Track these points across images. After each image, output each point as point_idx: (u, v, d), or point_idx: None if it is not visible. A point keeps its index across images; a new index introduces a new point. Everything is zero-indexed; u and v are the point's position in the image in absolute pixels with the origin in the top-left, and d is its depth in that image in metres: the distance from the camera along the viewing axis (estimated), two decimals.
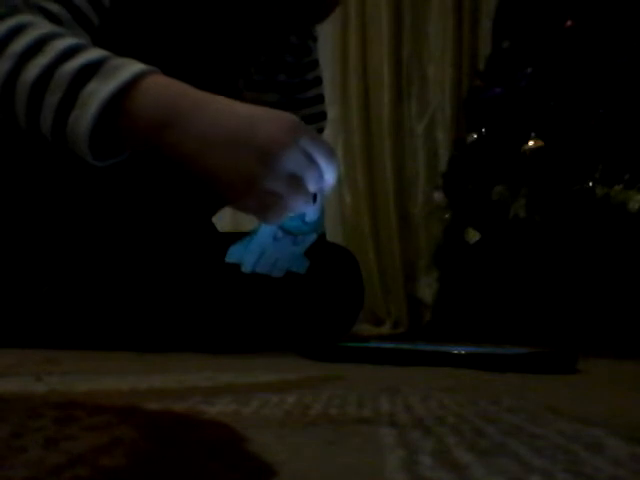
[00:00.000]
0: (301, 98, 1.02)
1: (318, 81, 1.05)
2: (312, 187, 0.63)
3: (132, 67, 0.61)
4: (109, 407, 0.30)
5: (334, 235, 2.14)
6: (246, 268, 0.68)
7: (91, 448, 0.22)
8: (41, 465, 0.20)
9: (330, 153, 0.63)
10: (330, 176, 0.64)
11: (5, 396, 0.34)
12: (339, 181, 2.30)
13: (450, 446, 0.24)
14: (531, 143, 1.53)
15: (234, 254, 0.67)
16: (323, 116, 1.07)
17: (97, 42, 0.70)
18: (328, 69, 2.24)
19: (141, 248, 0.82)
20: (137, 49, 0.78)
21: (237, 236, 0.68)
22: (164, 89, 0.62)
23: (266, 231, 0.66)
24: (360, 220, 2.29)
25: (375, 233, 2.27)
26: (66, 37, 0.65)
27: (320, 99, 1.06)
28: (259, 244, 0.67)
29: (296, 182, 0.61)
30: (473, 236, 1.62)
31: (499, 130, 1.66)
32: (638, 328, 1.25)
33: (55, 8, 0.71)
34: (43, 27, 0.65)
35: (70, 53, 0.62)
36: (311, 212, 0.66)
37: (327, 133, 1.11)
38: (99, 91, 0.60)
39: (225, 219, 1.70)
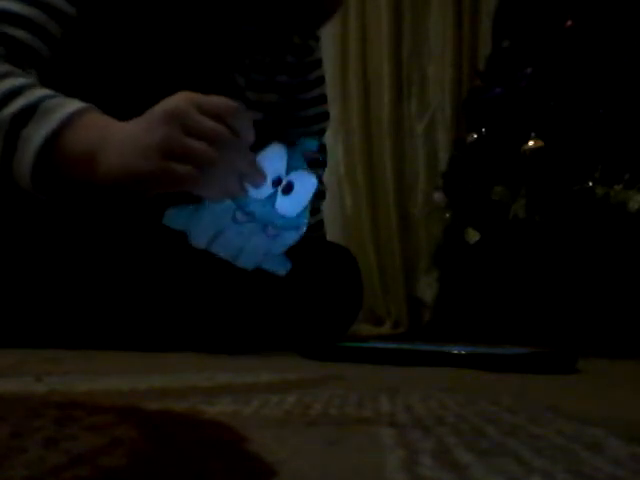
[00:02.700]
0: (303, 98, 1.02)
1: (320, 81, 1.04)
2: (236, 155, 0.62)
3: (64, 109, 0.66)
4: (109, 407, 0.30)
5: (334, 235, 2.14)
6: (195, 241, 0.66)
7: (91, 448, 0.22)
8: (41, 465, 0.20)
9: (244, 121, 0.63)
10: (249, 135, 0.63)
11: (5, 396, 0.34)
12: (338, 181, 2.30)
13: (450, 446, 0.24)
14: (531, 143, 1.53)
15: (175, 220, 0.65)
16: (326, 116, 1.07)
17: (81, 50, 0.77)
18: (328, 69, 2.23)
19: (141, 248, 0.82)
20: (126, 47, 0.80)
21: None
22: (92, 124, 0.67)
23: (219, 208, 0.65)
24: (360, 220, 2.29)
25: (375, 233, 2.27)
26: (6, 80, 0.69)
27: (322, 99, 1.05)
28: (212, 220, 0.65)
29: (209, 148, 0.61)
30: (473, 236, 1.62)
31: (499, 130, 1.65)
32: (638, 328, 1.25)
33: (14, 31, 0.74)
34: None
35: (9, 97, 0.67)
36: (287, 205, 0.66)
37: (327, 133, 1.10)
38: (34, 136, 0.66)
39: None
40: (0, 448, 0.21)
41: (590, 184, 1.39)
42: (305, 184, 0.68)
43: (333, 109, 2.29)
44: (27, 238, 0.81)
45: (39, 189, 0.68)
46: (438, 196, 1.88)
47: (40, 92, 0.68)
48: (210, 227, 0.65)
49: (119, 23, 0.81)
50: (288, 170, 0.67)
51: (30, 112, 0.66)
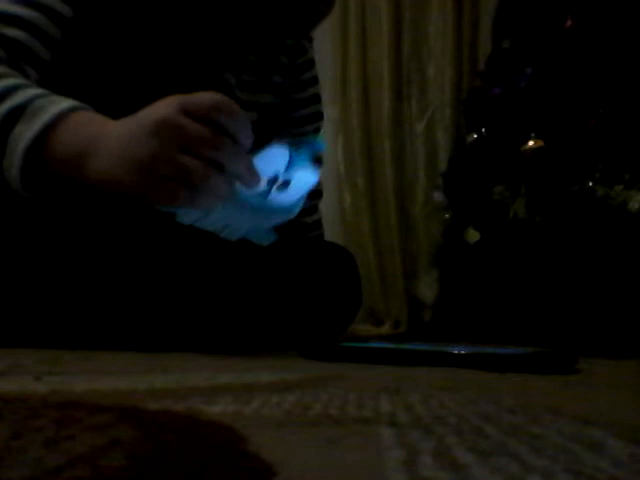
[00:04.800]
0: (297, 98, 1.02)
1: (314, 81, 1.04)
2: (230, 161, 0.60)
3: (52, 109, 0.65)
4: (109, 407, 0.30)
5: (334, 235, 2.14)
6: (182, 220, 0.64)
7: (91, 448, 0.22)
8: (41, 465, 0.20)
9: (237, 118, 0.60)
10: (246, 136, 0.60)
11: (5, 396, 0.34)
12: (338, 181, 2.30)
13: (450, 446, 0.24)
14: (531, 143, 1.53)
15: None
16: (320, 116, 1.07)
17: (74, 49, 0.76)
18: (328, 69, 2.24)
19: (141, 248, 0.82)
20: (120, 46, 0.79)
21: None
22: (82, 124, 0.65)
23: None
24: (360, 220, 2.29)
25: (375, 233, 2.27)
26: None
27: (316, 99, 1.05)
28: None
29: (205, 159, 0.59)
30: (473, 236, 1.62)
31: (499, 130, 1.66)
32: (638, 328, 1.25)
33: (13, 33, 0.74)
34: None
35: (0, 98, 0.67)
36: (280, 198, 0.64)
37: (327, 133, 1.10)
38: (21, 137, 0.65)
39: None
40: (0, 448, 0.21)
41: (590, 184, 1.39)
42: (303, 180, 0.67)
43: (333, 109, 2.30)
44: (27, 237, 0.80)
45: (29, 190, 0.67)
46: (438, 196, 1.88)
47: (32, 92, 0.67)
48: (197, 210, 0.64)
49: (113, 23, 0.81)
50: (289, 168, 0.66)
51: (19, 112, 0.66)
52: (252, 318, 0.86)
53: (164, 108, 0.59)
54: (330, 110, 2.16)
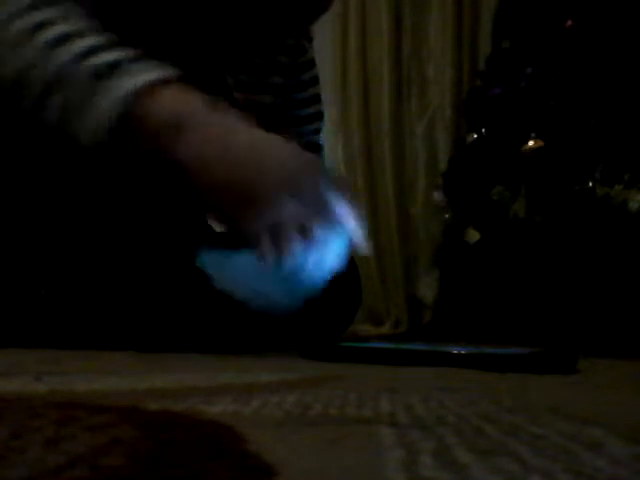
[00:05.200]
0: (297, 98, 1.02)
1: (314, 81, 1.04)
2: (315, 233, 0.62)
3: (158, 69, 0.63)
4: (109, 407, 0.30)
5: None
6: (220, 285, 0.65)
7: (91, 448, 0.22)
8: (41, 465, 0.20)
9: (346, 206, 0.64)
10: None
11: (5, 396, 0.34)
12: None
13: (450, 446, 0.24)
14: (531, 143, 1.53)
15: (209, 264, 0.65)
16: (320, 116, 1.07)
17: None
18: (328, 69, 2.24)
19: (140, 248, 0.82)
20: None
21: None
22: (185, 94, 0.63)
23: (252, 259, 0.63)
24: None
25: (375, 233, 2.27)
26: (94, 35, 0.66)
27: (317, 99, 1.05)
28: (244, 271, 0.64)
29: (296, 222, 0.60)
30: (473, 236, 1.62)
31: (499, 130, 1.66)
32: (638, 328, 1.25)
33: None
34: (73, 24, 0.66)
35: (99, 48, 0.64)
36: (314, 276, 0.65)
37: (327, 133, 1.10)
38: (126, 82, 0.61)
39: None
40: (0, 448, 0.21)
41: (590, 184, 1.39)
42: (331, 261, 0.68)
43: (333, 109, 2.30)
44: (27, 237, 0.81)
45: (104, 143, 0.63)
46: (438, 196, 1.88)
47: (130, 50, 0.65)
48: (238, 277, 0.65)
49: (113, 20, 0.81)
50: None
51: (123, 64, 0.63)
52: (252, 318, 0.86)
53: (311, 165, 0.62)
54: (330, 110, 2.16)
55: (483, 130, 1.71)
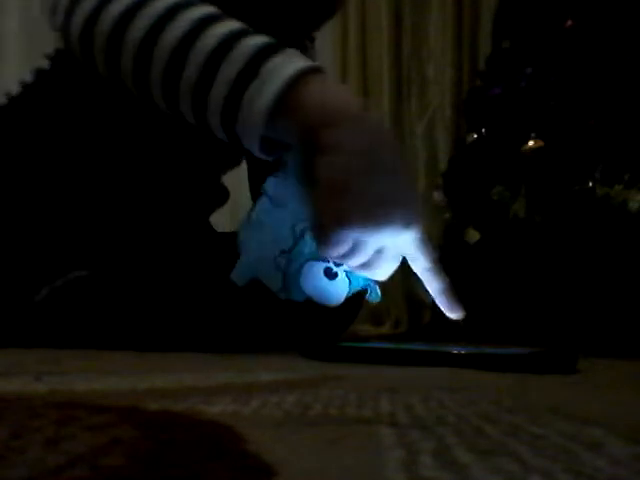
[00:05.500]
0: None
1: None
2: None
3: (303, 58, 0.61)
4: (109, 407, 0.30)
5: None
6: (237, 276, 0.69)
7: (91, 448, 0.22)
8: (41, 465, 0.20)
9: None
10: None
11: (5, 396, 0.34)
12: None
13: (450, 446, 0.24)
14: (531, 143, 1.53)
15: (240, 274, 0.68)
16: None
17: None
18: (328, 69, 2.24)
19: (140, 248, 0.82)
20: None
21: (234, 236, 0.68)
22: (334, 88, 0.62)
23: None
24: None
25: None
26: (233, 20, 0.64)
27: None
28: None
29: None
30: (473, 236, 1.62)
31: (499, 130, 1.66)
32: (638, 328, 1.25)
33: None
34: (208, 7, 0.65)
35: (247, 31, 0.62)
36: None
37: None
38: (282, 68, 0.58)
39: (224, 219, 1.70)
40: (0, 448, 0.21)
41: (590, 184, 1.39)
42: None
43: None
44: (27, 237, 0.81)
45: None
46: (438, 196, 1.88)
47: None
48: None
49: None
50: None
51: (274, 49, 0.60)
52: (252, 318, 0.86)
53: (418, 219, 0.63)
54: None
55: (483, 130, 1.71)
